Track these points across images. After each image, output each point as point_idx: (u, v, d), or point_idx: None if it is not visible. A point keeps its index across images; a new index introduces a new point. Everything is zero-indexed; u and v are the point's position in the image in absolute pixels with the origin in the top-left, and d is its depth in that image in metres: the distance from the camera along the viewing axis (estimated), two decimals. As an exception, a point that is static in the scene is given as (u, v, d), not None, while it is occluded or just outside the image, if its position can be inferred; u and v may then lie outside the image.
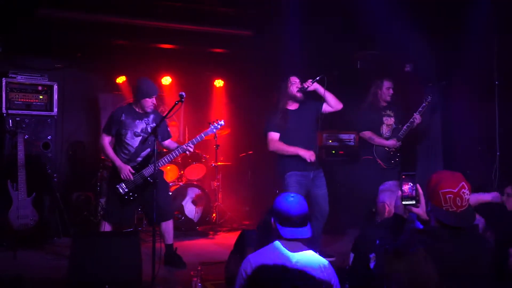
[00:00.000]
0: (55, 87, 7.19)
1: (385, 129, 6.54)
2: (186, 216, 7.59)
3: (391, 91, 6.51)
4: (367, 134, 6.49)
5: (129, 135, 5.44)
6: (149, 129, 5.49)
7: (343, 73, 8.39)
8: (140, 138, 5.47)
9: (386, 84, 6.50)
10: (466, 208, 2.55)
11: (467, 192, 2.55)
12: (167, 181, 7.33)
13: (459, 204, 2.53)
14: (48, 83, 7.19)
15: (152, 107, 5.51)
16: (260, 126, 5.86)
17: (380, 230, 2.89)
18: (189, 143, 5.42)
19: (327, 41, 7.53)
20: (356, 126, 6.77)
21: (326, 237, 7.16)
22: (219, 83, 9.56)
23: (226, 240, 7.07)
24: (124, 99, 8.30)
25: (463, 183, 2.56)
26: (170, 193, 6.92)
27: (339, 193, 7.67)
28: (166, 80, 9.07)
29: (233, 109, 9.56)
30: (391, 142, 6.41)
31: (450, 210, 2.54)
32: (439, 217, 2.56)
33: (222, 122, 5.71)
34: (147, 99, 5.43)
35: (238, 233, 4.75)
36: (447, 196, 2.53)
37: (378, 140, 6.44)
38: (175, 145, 5.65)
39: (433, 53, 7.15)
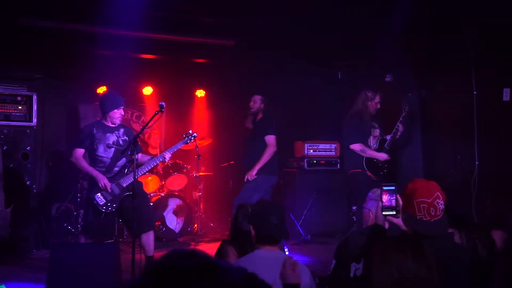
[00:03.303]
0: (35, 97, 7.09)
1: (372, 141, 6.47)
2: (167, 227, 7.54)
3: (379, 105, 6.49)
4: (358, 146, 6.34)
5: (101, 148, 5.44)
6: (120, 142, 5.51)
7: (323, 82, 8.47)
8: (113, 149, 5.47)
9: (378, 98, 6.45)
10: (440, 217, 2.57)
11: (441, 202, 2.58)
12: (148, 191, 7.32)
13: (433, 213, 2.56)
14: (27, 93, 7.08)
15: (120, 118, 5.54)
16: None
17: (362, 238, 2.91)
18: (166, 151, 5.53)
19: (309, 51, 7.58)
20: (346, 138, 6.58)
21: (313, 245, 7.20)
22: (200, 93, 9.54)
23: (208, 250, 6.92)
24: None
25: (438, 193, 2.58)
26: (151, 204, 6.88)
27: (320, 201, 7.72)
28: (147, 90, 9.03)
29: (214, 119, 9.55)
30: (383, 155, 6.33)
31: (424, 219, 2.56)
32: (413, 225, 2.58)
33: (195, 134, 5.85)
34: (115, 110, 5.45)
35: (219, 243, 4.69)
36: (421, 205, 2.56)
37: (369, 152, 6.31)
38: (147, 157, 5.71)
39: (412, 62, 7.23)
